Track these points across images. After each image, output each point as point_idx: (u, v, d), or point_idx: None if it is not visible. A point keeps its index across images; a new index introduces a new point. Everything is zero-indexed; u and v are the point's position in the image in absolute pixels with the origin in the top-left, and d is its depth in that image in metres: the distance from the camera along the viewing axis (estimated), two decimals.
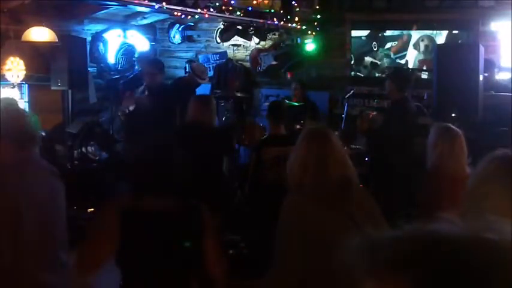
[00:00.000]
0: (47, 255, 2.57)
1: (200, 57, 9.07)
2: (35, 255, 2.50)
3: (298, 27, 8.09)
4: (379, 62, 8.19)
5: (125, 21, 8.28)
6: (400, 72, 6.72)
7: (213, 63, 8.91)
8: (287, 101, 6.79)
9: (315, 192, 2.35)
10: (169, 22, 8.97)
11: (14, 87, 6.19)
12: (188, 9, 6.89)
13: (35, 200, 2.56)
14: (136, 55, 8.20)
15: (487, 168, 1.64)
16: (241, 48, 8.93)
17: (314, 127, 2.60)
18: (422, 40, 7.84)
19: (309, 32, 8.19)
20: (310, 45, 8.20)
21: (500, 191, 1.53)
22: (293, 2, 8.03)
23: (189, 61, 8.66)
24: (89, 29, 7.77)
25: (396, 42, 8.07)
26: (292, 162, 2.49)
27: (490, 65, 6.52)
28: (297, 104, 6.95)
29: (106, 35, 7.99)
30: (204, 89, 8.55)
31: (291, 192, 2.48)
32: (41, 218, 2.56)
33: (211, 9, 7.01)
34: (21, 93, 6.33)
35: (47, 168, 2.75)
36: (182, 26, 8.96)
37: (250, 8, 7.53)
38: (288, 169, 2.50)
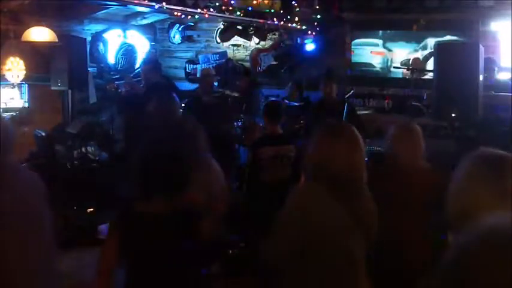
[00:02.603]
0: (39, 258, 2.56)
1: (200, 57, 9.07)
2: (29, 259, 2.49)
3: (298, 27, 8.09)
4: None
5: (125, 21, 8.28)
6: None
7: (213, 63, 8.91)
8: (287, 101, 6.80)
9: (326, 188, 2.34)
10: (169, 22, 8.98)
11: (14, 87, 6.20)
12: (188, 9, 6.89)
13: (22, 205, 2.52)
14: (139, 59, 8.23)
15: (470, 168, 1.63)
16: (241, 48, 8.93)
17: (337, 123, 2.55)
18: None
19: (309, 32, 8.19)
20: (310, 45, 8.21)
21: (485, 190, 1.53)
22: (293, 2, 8.03)
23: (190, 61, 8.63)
24: (89, 29, 7.77)
25: None
26: (308, 157, 2.45)
27: (490, 64, 6.53)
28: (296, 104, 6.96)
29: (106, 35, 7.99)
30: None
31: (300, 186, 2.47)
32: (29, 222, 2.53)
33: (211, 9, 7.01)
34: (21, 93, 6.33)
35: (27, 172, 2.73)
36: (182, 26, 8.96)
37: (250, 8, 7.53)
38: (306, 161, 2.47)
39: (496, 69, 6.78)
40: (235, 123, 6.67)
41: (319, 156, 2.40)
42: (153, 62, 6.73)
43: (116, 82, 6.96)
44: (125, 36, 8.28)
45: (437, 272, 1.00)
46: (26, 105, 6.38)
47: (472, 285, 0.88)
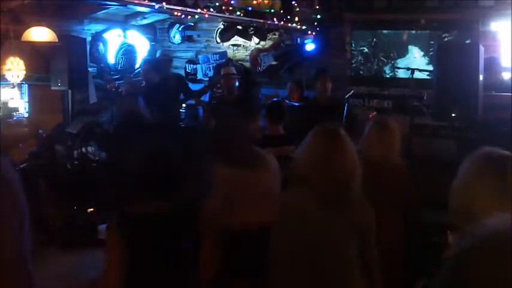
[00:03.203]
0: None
1: (200, 57, 9.07)
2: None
3: (298, 27, 8.09)
4: None
5: (125, 21, 8.28)
6: None
7: (213, 63, 8.91)
8: (287, 101, 6.79)
9: (318, 190, 2.35)
10: (169, 22, 8.98)
11: (14, 87, 6.20)
12: (188, 9, 6.89)
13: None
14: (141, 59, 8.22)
15: (472, 167, 1.62)
16: (241, 48, 8.93)
17: (327, 125, 2.56)
18: None
19: (309, 32, 8.19)
20: (310, 45, 8.21)
21: (489, 190, 1.52)
22: (293, 2, 8.03)
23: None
24: (89, 29, 7.77)
25: None
26: (299, 159, 2.47)
27: (493, 63, 6.52)
28: (297, 104, 6.95)
29: (106, 35, 7.99)
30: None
31: (293, 187, 2.47)
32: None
33: (211, 9, 7.01)
34: (21, 93, 6.33)
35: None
36: (182, 26, 8.96)
37: (250, 8, 7.53)
38: (294, 164, 2.48)
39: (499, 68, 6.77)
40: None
41: (309, 160, 2.41)
42: (153, 63, 6.73)
43: (117, 82, 6.97)
44: (125, 36, 8.28)
45: (438, 272, 1.00)
46: (26, 105, 6.38)
47: (473, 285, 0.88)
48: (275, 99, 6.75)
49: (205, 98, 7.54)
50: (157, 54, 7.74)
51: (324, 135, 2.46)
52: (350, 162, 2.39)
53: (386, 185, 3.27)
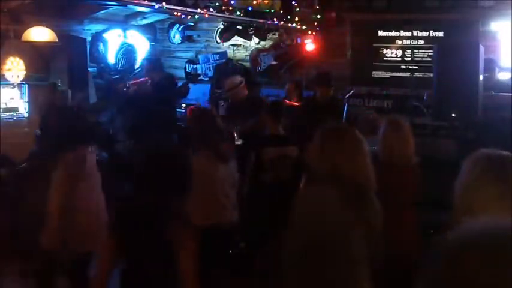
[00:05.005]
0: None
1: (200, 57, 9.07)
2: None
3: (298, 27, 8.09)
4: None
5: (125, 21, 8.28)
6: None
7: (213, 63, 8.91)
8: (287, 101, 6.79)
9: (337, 191, 2.35)
10: (169, 22, 8.98)
11: (14, 87, 6.20)
12: (188, 9, 6.89)
13: None
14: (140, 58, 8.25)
15: (473, 168, 1.61)
16: (241, 48, 8.93)
17: (341, 125, 2.56)
18: None
19: (309, 32, 8.19)
20: (310, 45, 8.21)
21: (490, 191, 1.52)
22: (293, 2, 8.03)
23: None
24: (89, 29, 7.77)
25: None
26: (315, 160, 2.46)
27: (490, 64, 6.53)
28: (297, 104, 6.95)
29: (106, 35, 7.99)
30: (203, 88, 8.57)
31: (310, 188, 2.47)
32: None
33: (211, 9, 7.01)
34: (21, 93, 6.33)
35: None
36: (182, 26, 8.96)
37: (250, 8, 7.53)
38: (310, 165, 2.48)
39: (497, 69, 6.78)
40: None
41: (324, 162, 2.40)
42: (153, 62, 6.75)
43: (127, 82, 7.03)
44: (125, 36, 8.27)
45: (425, 272, 0.99)
46: (26, 105, 6.39)
47: (455, 285, 0.87)
48: (275, 98, 6.74)
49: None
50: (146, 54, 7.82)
51: (339, 136, 2.45)
52: (367, 162, 2.40)
53: (405, 185, 3.29)
